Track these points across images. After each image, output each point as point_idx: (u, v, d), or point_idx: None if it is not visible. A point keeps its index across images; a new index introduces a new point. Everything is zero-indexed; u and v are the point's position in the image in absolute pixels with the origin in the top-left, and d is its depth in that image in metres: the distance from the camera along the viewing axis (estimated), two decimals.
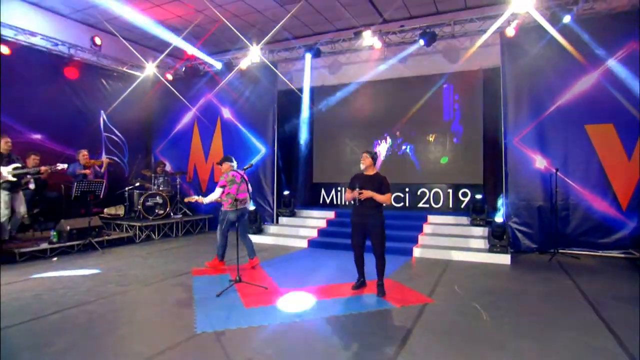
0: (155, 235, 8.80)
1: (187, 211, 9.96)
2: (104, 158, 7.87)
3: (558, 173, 6.93)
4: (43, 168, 6.86)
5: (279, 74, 9.53)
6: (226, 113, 10.24)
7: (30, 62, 8.28)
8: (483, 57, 8.37)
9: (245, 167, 5.72)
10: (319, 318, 4.12)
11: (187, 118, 10.76)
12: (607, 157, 6.85)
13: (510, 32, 7.11)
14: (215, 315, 4.15)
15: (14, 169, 6.63)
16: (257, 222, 8.84)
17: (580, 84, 6.97)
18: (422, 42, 7.93)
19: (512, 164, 7.37)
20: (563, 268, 6.18)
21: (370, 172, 4.88)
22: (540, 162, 7.21)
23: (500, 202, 7.20)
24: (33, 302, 4.58)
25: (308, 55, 8.93)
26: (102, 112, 9.89)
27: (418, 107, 9.34)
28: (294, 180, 10.57)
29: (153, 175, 9.46)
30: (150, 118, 11.13)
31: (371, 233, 4.83)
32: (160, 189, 9.36)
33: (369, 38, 8.10)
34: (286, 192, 9.58)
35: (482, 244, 7.04)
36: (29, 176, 6.90)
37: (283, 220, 9.38)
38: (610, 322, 3.95)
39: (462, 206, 8.87)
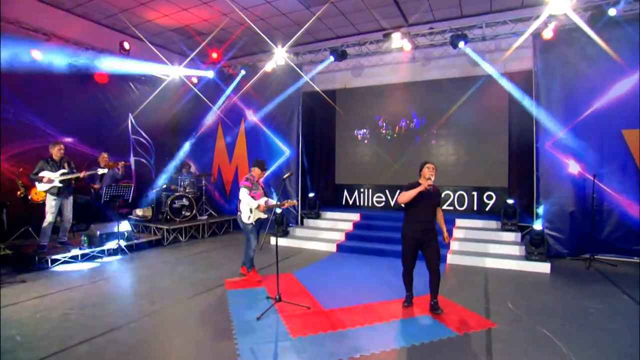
0: (182, 237, 8.01)
1: (213, 212, 9.16)
2: (121, 162, 7.08)
3: (589, 176, 6.14)
4: (83, 173, 6.13)
5: (304, 76, 8.65)
6: (250, 115, 9.38)
7: (62, 66, 7.45)
8: (508, 60, 7.50)
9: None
10: (382, 352, 3.32)
11: (210, 120, 9.92)
12: None
13: (547, 34, 6.21)
14: (261, 350, 3.34)
15: (62, 174, 5.90)
16: (283, 225, 8.04)
17: (618, 87, 6.09)
18: (459, 43, 6.98)
19: (544, 169, 6.53)
20: (607, 277, 5.38)
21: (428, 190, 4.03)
22: (573, 167, 6.36)
23: (541, 209, 6.36)
24: (60, 324, 3.81)
25: (332, 57, 8.01)
26: (129, 115, 9.06)
27: (442, 110, 8.51)
28: (317, 181, 9.74)
29: (179, 177, 8.66)
30: (177, 119, 10.27)
31: (428, 246, 4.07)
32: (187, 190, 8.56)
33: (398, 40, 7.19)
34: (311, 195, 8.76)
35: (516, 250, 6.22)
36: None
37: (308, 222, 8.57)
38: None
39: (487, 209, 8.05)
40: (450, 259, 6.28)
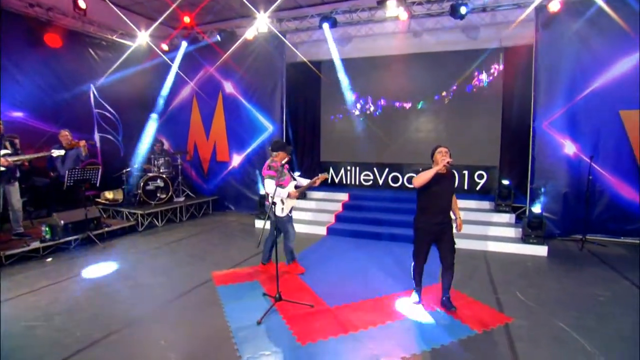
0: (158, 221, 7.29)
1: (190, 193, 8.43)
2: (82, 141, 6.12)
3: (584, 157, 6.03)
4: (30, 155, 5.22)
5: (289, 45, 7.86)
6: (228, 87, 8.52)
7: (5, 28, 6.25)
8: (505, 35, 7.10)
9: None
10: (402, 358, 2.98)
11: (185, 93, 8.95)
12: (638, 144, 5.92)
13: (554, 6, 5.78)
14: None
15: (4, 155, 4.98)
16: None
17: (619, 65, 5.87)
18: (461, 9, 6.28)
19: (539, 149, 6.31)
20: (602, 259, 5.34)
21: (445, 171, 3.59)
22: (569, 148, 6.19)
23: (541, 191, 6.19)
24: (26, 341, 3.19)
25: (326, 25, 7.21)
26: (91, 85, 7.95)
27: (434, 85, 8.09)
28: (302, 159, 9.16)
29: (152, 156, 7.81)
30: (146, 92, 9.22)
31: (443, 240, 3.69)
32: (161, 170, 7.76)
33: (393, 8, 6.54)
34: (297, 174, 8.18)
35: (511, 232, 6.08)
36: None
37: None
38: None
39: (478, 188, 7.87)
40: None
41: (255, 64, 8.17)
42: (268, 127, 8.21)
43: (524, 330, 3.43)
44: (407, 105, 8.44)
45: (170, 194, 7.64)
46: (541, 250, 5.52)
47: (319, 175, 4.43)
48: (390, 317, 3.67)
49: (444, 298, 3.83)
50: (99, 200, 7.32)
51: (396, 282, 4.54)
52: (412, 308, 3.85)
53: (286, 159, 4.62)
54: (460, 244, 5.83)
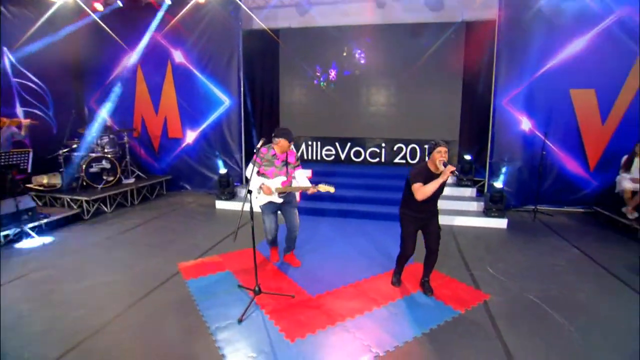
0: (107, 207, 6.53)
1: (141, 174, 7.63)
2: (24, 119, 5.16)
3: (538, 133, 6.36)
4: None
5: (246, 10, 7.14)
6: (178, 57, 7.63)
7: None
8: (468, 9, 7.05)
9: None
10: (401, 347, 2.91)
11: (127, 61, 7.86)
12: (584, 121, 6.31)
13: None
14: None
15: None
16: (229, 186, 7.03)
17: (571, 46, 6.10)
18: None
19: (499, 125, 6.50)
20: (552, 229, 5.76)
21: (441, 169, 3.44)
22: (525, 124, 6.45)
23: (504, 169, 6.41)
24: None
25: None
26: (4, 49, 6.65)
27: (395, 58, 7.92)
28: (263, 135, 8.63)
29: (94, 134, 6.86)
30: (79, 60, 7.96)
31: (430, 226, 3.62)
32: (106, 150, 6.88)
33: None
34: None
35: (474, 206, 6.32)
36: None
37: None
38: None
39: None
40: None
41: (209, 30, 7.35)
42: (224, 101, 7.56)
43: (502, 306, 3.55)
44: (369, 78, 8.24)
45: (118, 175, 6.84)
46: (502, 223, 5.80)
47: (319, 185, 3.82)
48: (374, 303, 3.60)
49: (423, 280, 3.84)
50: (30, 186, 6.34)
51: (373, 263, 4.49)
52: (394, 292, 3.82)
53: (288, 147, 4.06)
54: None
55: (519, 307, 3.55)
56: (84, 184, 6.45)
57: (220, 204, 6.89)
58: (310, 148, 8.71)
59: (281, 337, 3.04)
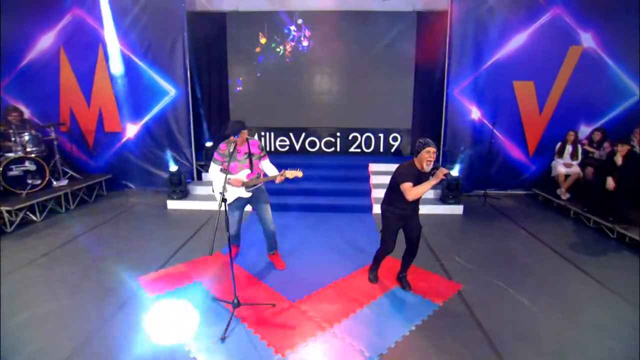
0: (36, 216, 5.64)
1: (75, 174, 6.69)
2: None
3: (486, 122, 6.78)
4: None
5: None
6: (112, 39, 6.73)
7: None
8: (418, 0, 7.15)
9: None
10: (389, 349, 2.89)
11: (45, 43, 6.74)
12: (525, 111, 6.85)
13: None
14: None
15: None
16: (181, 184, 6.48)
17: (515, 40, 6.50)
18: None
19: (451, 114, 6.80)
20: (501, 212, 6.23)
21: (427, 169, 3.42)
22: (475, 114, 6.81)
23: (460, 157, 6.70)
24: None
25: None
26: None
27: (348, 46, 7.80)
28: (212, 126, 8.08)
29: (12, 130, 5.83)
30: None
31: (412, 225, 3.62)
32: (28, 150, 5.90)
33: None
34: (209, 144, 7.24)
35: (431, 193, 6.57)
36: None
37: (208, 176, 7.17)
38: (590, 272, 3.91)
39: (393, 150, 8.20)
40: (376, 208, 6.21)
41: (148, 10, 6.56)
42: (169, 91, 6.89)
43: (474, 295, 3.74)
44: (322, 66, 8.06)
45: (47, 178, 5.93)
46: (458, 209, 6.13)
47: (285, 171, 3.60)
48: (357, 303, 3.57)
49: (401, 275, 3.90)
50: None
51: (346, 260, 4.47)
52: (373, 289, 3.82)
53: (242, 139, 3.76)
54: None
55: (489, 294, 3.76)
56: (2, 190, 5.49)
57: (173, 204, 6.35)
58: (263, 139, 8.37)
59: (270, 353, 2.88)
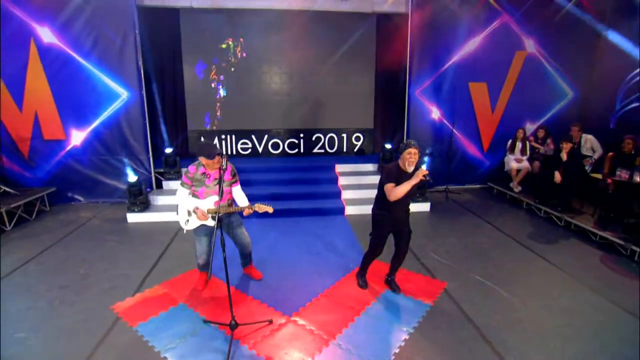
0: None
1: (9, 189, 5.85)
2: None
3: (445, 121, 7.18)
4: None
5: None
6: (47, 35, 5.97)
7: None
8: (377, 2, 7.27)
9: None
10: (395, 354, 2.95)
11: None
12: (479, 110, 7.36)
13: None
14: None
15: None
16: (141, 194, 6.00)
17: (470, 43, 6.94)
18: None
19: (413, 114, 7.08)
20: (464, 207, 6.65)
21: (410, 170, 3.50)
22: (435, 113, 7.17)
23: (425, 159, 6.97)
24: None
25: None
26: None
27: (310, 47, 7.73)
28: (169, 130, 7.54)
29: None
30: None
31: (402, 229, 3.71)
32: None
33: None
34: (169, 150, 6.76)
35: None
36: None
37: (170, 184, 6.72)
38: (550, 259, 4.47)
39: (355, 150, 8.33)
40: (349, 210, 6.31)
41: (91, 3, 5.91)
42: (121, 94, 6.32)
43: (459, 291, 3.96)
44: (283, 67, 7.90)
45: None
46: (426, 206, 6.42)
47: (255, 205, 3.52)
48: (353, 311, 3.59)
49: (390, 278, 3.98)
50: None
51: (331, 266, 4.47)
52: (365, 295, 3.86)
53: (216, 164, 3.45)
54: (358, 210, 6.25)
55: (472, 289, 4.01)
56: None
57: (133, 217, 5.86)
58: (224, 142, 8.04)
59: None
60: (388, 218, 3.62)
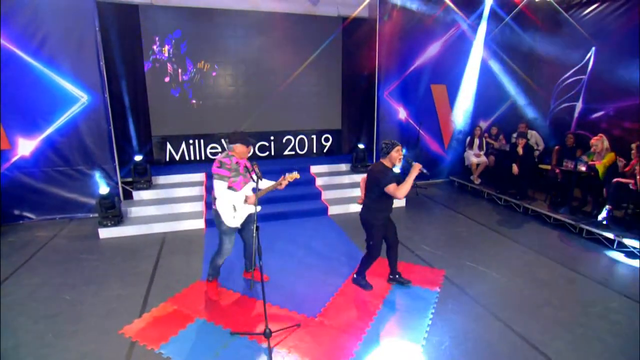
0: None
1: None
2: None
3: (411, 121, 7.69)
4: None
5: None
6: None
7: None
8: (344, 4, 7.50)
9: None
10: (426, 340, 3.16)
11: None
12: (440, 110, 8.00)
13: None
14: None
15: None
16: (114, 207, 5.48)
17: (432, 48, 7.50)
18: None
19: (382, 114, 7.45)
20: (434, 200, 7.20)
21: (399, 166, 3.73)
22: (402, 114, 7.62)
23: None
24: None
25: None
26: None
27: (275, 49, 7.67)
28: (139, 136, 6.94)
29: None
30: None
31: (390, 225, 3.93)
32: None
33: None
34: (139, 157, 6.24)
35: None
36: None
37: (141, 195, 6.23)
38: (520, 241, 5.11)
39: (325, 151, 8.47)
40: (332, 210, 6.44)
41: None
42: (80, 97, 5.72)
43: (457, 276, 4.33)
44: (249, 69, 7.74)
45: None
46: (402, 202, 6.80)
47: (287, 175, 3.54)
48: (373, 306, 3.74)
49: (396, 276, 4.14)
50: None
51: (335, 265, 4.60)
52: (377, 289, 4.04)
53: (248, 153, 3.61)
54: (340, 209, 6.47)
55: (467, 273, 4.41)
56: None
57: (106, 232, 5.34)
58: (191, 147, 7.66)
59: None
60: (382, 221, 3.77)
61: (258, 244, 2.99)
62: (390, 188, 3.57)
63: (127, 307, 3.69)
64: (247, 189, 3.62)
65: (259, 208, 3.51)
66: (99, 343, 3.17)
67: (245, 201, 3.57)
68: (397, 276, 4.17)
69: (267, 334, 3.08)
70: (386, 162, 3.65)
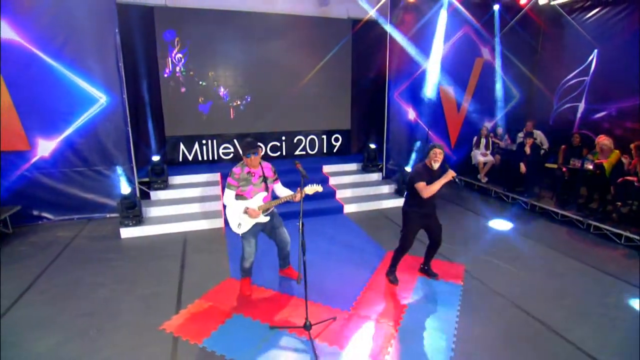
0: None
1: None
2: None
3: (420, 122, 7.86)
4: None
5: None
6: (4, 30, 5.17)
7: None
8: (350, 6, 7.62)
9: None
10: (457, 329, 3.31)
11: None
12: (447, 110, 8.18)
13: None
14: None
15: None
16: (135, 207, 5.53)
17: (439, 51, 7.66)
18: None
19: (392, 115, 7.59)
20: (444, 198, 7.31)
21: (436, 167, 3.90)
22: (411, 114, 7.78)
23: (413, 155, 7.49)
24: None
25: None
26: None
27: (288, 49, 7.75)
28: (156, 136, 6.97)
29: None
30: None
31: (432, 223, 4.08)
32: None
33: None
34: (156, 158, 6.30)
35: (386, 189, 7.25)
36: None
37: (158, 195, 6.28)
38: (532, 236, 5.25)
39: (335, 150, 8.57)
40: (347, 208, 6.57)
41: None
42: (99, 98, 5.76)
43: (476, 270, 4.50)
44: (261, 70, 7.81)
45: None
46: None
47: (305, 188, 3.53)
48: (402, 297, 3.90)
49: (426, 267, 4.35)
50: None
51: (359, 260, 4.75)
52: (405, 282, 4.20)
53: (257, 160, 3.66)
54: (355, 208, 6.59)
55: (484, 267, 4.58)
56: None
57: (128, 232, 5.39)
58: (205, 147, 7.71)
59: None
60: (419, 214, 3.96)
61: (302, 239, 3.11)
62: (419, 185, 3.77)
63: (162, 304, 3.77)
64: (260, 197, 3.70)
65: (267, 218, 3.71)
66: (143, 338, 3.25)
67: (245, 212, 3.62)
68: (426, 268, 4.35)
69: (308, 327, 3.20)
70: (427, 162, 3.86)
